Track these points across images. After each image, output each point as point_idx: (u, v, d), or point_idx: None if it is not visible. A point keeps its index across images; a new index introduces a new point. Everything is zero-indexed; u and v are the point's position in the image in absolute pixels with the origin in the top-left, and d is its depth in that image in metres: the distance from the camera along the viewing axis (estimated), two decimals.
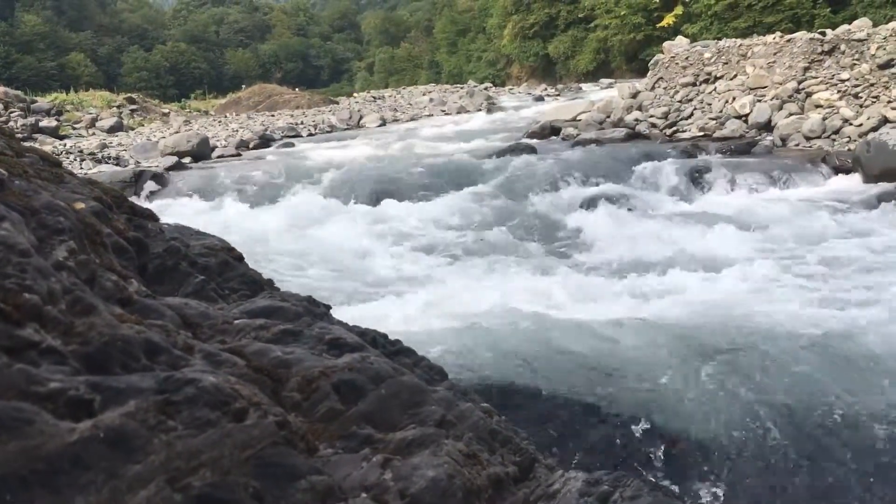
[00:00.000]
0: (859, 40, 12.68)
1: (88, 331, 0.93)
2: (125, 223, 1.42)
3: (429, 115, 27.49)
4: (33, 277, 0.91)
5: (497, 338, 4.80)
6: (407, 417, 1.23)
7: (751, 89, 13.59)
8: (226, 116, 33.94)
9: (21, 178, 1.17)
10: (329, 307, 1.57)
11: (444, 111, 28.44)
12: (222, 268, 1.55)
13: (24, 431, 0.76)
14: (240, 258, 1.61)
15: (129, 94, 38.02)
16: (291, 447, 0.95)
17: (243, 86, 50.97)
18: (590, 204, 9.35)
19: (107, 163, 16.42)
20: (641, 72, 27.81)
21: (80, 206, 1.27)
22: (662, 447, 3.34)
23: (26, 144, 1.64)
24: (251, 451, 0.90)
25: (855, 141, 11.00)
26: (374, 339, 1.51)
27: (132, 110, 33.64)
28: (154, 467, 0.81)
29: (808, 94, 12.68)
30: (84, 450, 0.78)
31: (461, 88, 42.79)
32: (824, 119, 11.91)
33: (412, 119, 26.52)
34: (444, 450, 1.15)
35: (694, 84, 14.85)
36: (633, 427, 3.48)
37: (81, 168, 15.11)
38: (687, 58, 15.26)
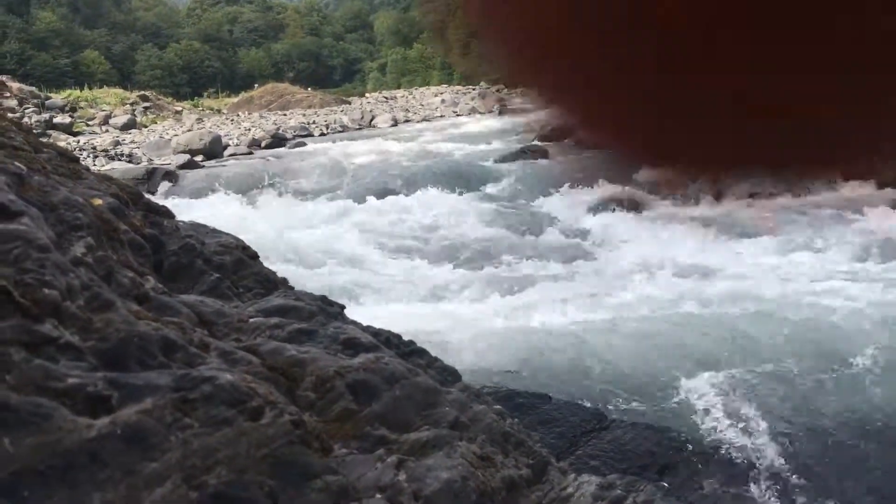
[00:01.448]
0: None
1: (106, 327, 0.93)
2: (142, 220, 1.42)
3: (441, 117, 27.47)
4: (52, 273, 0.91)
5: (506, 340, 4.79)
6: (421, 418, 1.22)
7: None
8: (238, 115, 34.02)
9: (40, 174, 1.17)
10: (343, 306, 1.57)
11: (455, 112, 28.41)
12: (237, 266, 1.55)
13: (43, 427, 0.76)
14: (254, 256, 1.61)
15: (142, 92, 38.18)
16: (306, 446, 0.95)
17: (256, 85, 51.06)
18: (601, 207, 9.33)
19: (119, 160, 16.50)
20: None
21: (97, 202, 1.27)
22: (675, 452, 3.33)
23: (44, 140, 1.64)
24: (266, 449, 0.90)
25: None
26: (387, 340, 1.50)
27: (145, 108, 33.78)
28: (170, 465, 0.81)
29: None
30: (101, 446, 0.78)
31: (473, 90, 42.75)
32: None
33: (424, 120, 26.51)
34: (458, 451, 1.15)
35: None
36: (645, 432, 3.46)
37: (94, 165, 15.18)
38: None
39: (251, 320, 1.28)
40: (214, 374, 0.93)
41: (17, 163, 1.13)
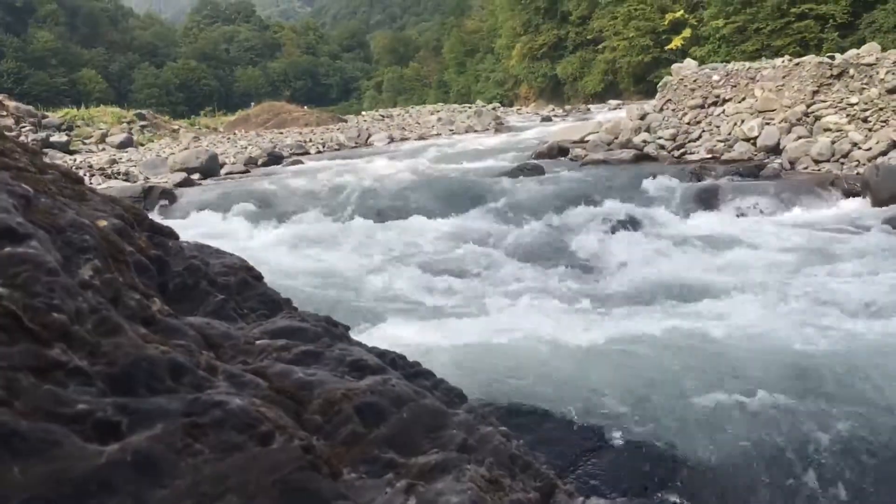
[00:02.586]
0: (868, 65, 12.71)
1: (114, 351, 0.92)
2: (146, 241, 1.41)
3: (437, 135, 27.56)
4: (61, 297, 0.91)
5: (505, 358, 4.78)
6: (428, 441, 1.21)
7: (759, 112, 13.61)
8: (235, 133, 34.08)
9: (46, 196, 1.17)
10: (348, 327, 1.56)
11: (452, 130, 28.52)
12: (241, 287, 1.54)
13: (52, 454, 0.75)
14: (259, 277, 1.61)
15: (139, 111, 38.28)
16: (317, 472, 0.94)
17: (252, 103, 51.27)
18: (597, 225, 9.34)
19: (116, 178, 16.50)
20: (649, 93, 27.91)
21: (103, 223, 1.26)
22: (677, 472, 3.31)
23: (46, 160, 1.64)
24: (277, 475, 0.89)
25: (864, 165, 10.99)
26: (393, 361, 1.50)
27: (142, 126, 33.84)
28: (181, 491, 0.80)
29: (817, 118, 12.69)
30: (111, 473, 0.77)
31: (469, 108, 42.94)
32: (833, 143, 11.90)
33: (420, 138, 26.59)
34: (466, 475, 1.14)
35: (702, 106, 14.88)
36: (646, 450, 3.45)
37: (91, 183, 15.17)
38: (695, 80, 15.30)
39: (257, 342, 1.27)
40: (224, 399, 0.93)
41: (23, 185, 1.12)
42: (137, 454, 0.80)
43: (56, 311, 0.88)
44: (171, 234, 1.56)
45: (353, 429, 1.13)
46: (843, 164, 11.53)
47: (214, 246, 1.82)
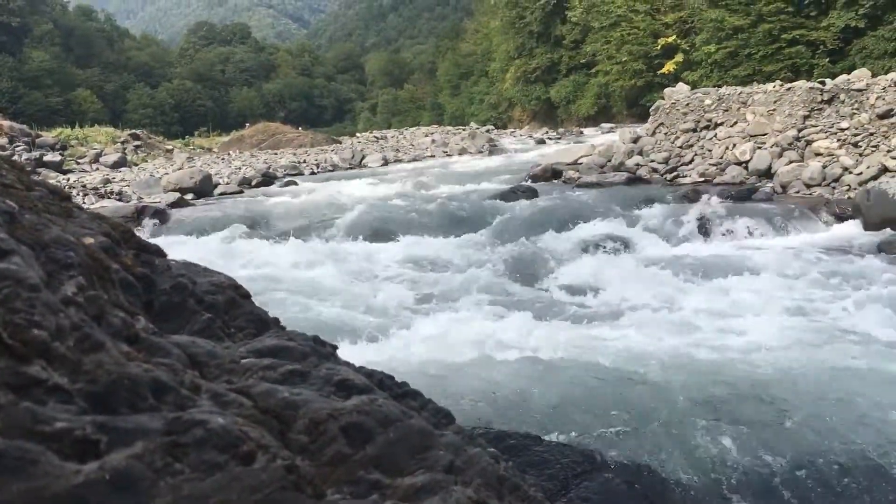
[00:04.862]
0: (858, 90, 12.82)
1: (96, 369, 0.91)
2: (133, 259, 1.40)
3: (431, 156, 27.65)
4: (42, 313, 0.90)
5: (495, 381, 4.76)
6: (415, 462, 1.20)
7: (751, 136, 13.70)
8: (229, 154, 34.13)
9: (31, 213, 1.16)
10: (335, 347, 1.55)
11: (445, 152, 28.59)
12: (229, 305, 1.53)
13: (29, 472, 0.74)
14: (246, 296, 1.59)
15: (133, 131, 38.33)
16: (300, 492, 0.92)
17: (247, 124, 51.34)
18: (590, 247, 9.36)
19: (109, 198, 16.47)
20: (642, 117, 28.08)
21: (88, 240, 1.25)
22: (666, 495, 3.29)
23: (35, 178, 1.63)
24: (259, 495, 0.87)
25: (855, 189, 11.05)
26: (380, 381, 1.48)
27: (136, 146, 33.87)
28: None
29: (808, 142, 12.78)
30: (89, 492, 0.76)
31: (463, 130, 43.07)
32: (824, 167, 11.98)
33: (414, 160, 26.66)
34: (453, 497, 1.13)
35: (694, 130, 14.98)
36: (635, 473, 3.43)
37: (84, 203, 15.15)
38: (688, 104, 15.41)
39: (243, 361, 1.26)
40: (206, 418, 0.91)
41: (8, 201, 1.12)
42: (116, 473, 0.79)
43: (36, 328, 0.87)
44: (158, 252, 1.55)
45: (339, 449, 1.12)
46: (834, 188, 11.60)
47: (205, 265, 1.81)
